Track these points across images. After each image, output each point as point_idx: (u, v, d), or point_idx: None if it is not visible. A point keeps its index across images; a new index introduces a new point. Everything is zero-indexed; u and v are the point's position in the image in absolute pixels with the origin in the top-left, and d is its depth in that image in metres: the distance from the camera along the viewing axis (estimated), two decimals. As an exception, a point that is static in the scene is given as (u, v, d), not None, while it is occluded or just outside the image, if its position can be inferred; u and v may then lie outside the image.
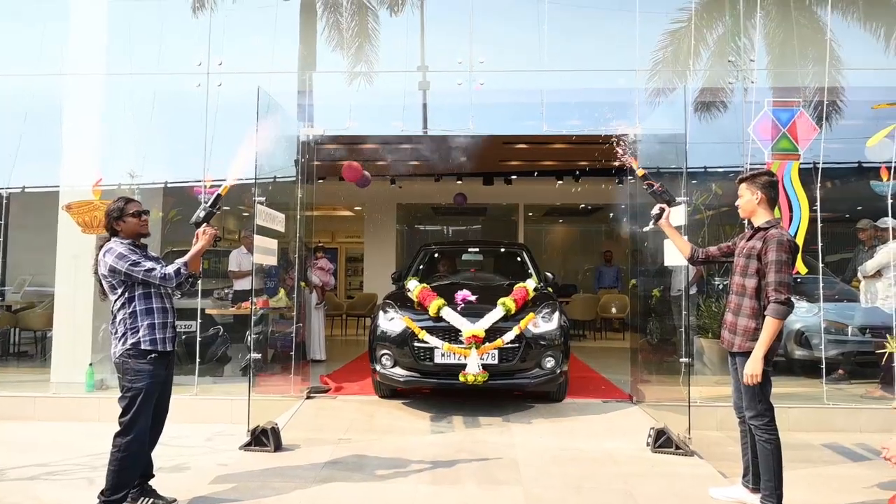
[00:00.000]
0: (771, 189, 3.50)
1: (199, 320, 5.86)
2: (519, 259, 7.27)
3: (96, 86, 6.31)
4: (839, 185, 7.33)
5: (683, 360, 4.62)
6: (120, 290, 3.41)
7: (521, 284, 5.87)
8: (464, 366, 5.18)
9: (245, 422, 4.66)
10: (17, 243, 6.58)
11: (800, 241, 5.60)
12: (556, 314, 5.70)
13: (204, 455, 4.49)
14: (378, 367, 5.61)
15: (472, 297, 5.65)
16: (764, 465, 3.31)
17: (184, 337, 6.50)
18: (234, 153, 3.88)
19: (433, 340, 5.30)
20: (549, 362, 5.48)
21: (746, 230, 3.63)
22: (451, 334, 5.37)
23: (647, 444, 4.59)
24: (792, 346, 7.00)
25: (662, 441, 4.50)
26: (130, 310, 3.40)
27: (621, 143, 4.23)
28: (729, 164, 6.55)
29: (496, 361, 5.30)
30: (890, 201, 5.84)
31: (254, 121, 4.76)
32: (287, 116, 6.09)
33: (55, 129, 6.41)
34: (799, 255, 5.61)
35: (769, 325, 3.27)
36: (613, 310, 11.49)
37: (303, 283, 6.69)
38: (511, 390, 5.92)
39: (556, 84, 6.24)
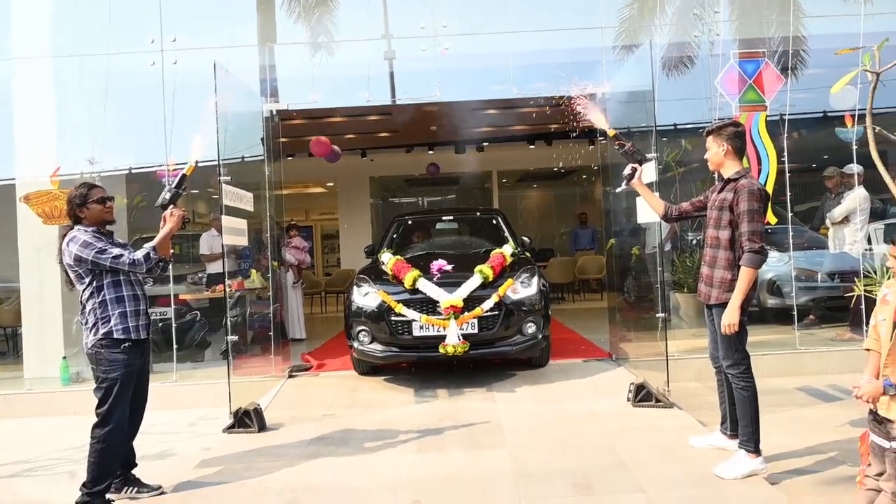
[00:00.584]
0: (737, 139, 3.50)
1: (173, 306, 5.76)
2: (494, 224, 7.12)
3: (45, 70, 6.05)
4: (806, 135, 7.42)
5: (660, 315, 4.67)
6: (88, 280, 3.31)
7: (497, 250, 5.76)
8: (443, 337, 5.05)
9: (227, 405, 4.63)
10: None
11: (769, 191, 5.66)
12: (535, 279, 5.59)
13: (187, 440, 4.45)
14: (355, 344, 5.48)
15: (449, 267, 5.50)
16: (741, 411, 3.38)
17: (160, 324, 6.41)
18: (196, 132, 3.75)
19: (410, 313, 5.18)
20: (531, 328, 5.41)
21: (717, 183, 3.65)
22: (428, 306, 5.24)
23: (628, 400, 4.67)
24: (764, 296, 7.15)
25: (643, 395, 4.59)
26: (100, 299, 3.31)
27: (587, 102, 4.17)
28: (698, 120, 6.55)
29: (476, 331, 5.20)
30: (855, 147, 5.92)
31: (213, 99, 4.61)
32: (249, 91, 5.92)
33: (5, 117, 6.17)
34: (769, 206, 5.69)
35: (744, 275, 3.30)
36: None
37: (275, 263, 6.59)
38: (493, 359, 5.84)
39: (522, 46, 6.14)
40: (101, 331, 3.29)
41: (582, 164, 12.60)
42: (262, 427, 4.52)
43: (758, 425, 3.36)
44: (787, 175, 5.80)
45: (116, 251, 3.30)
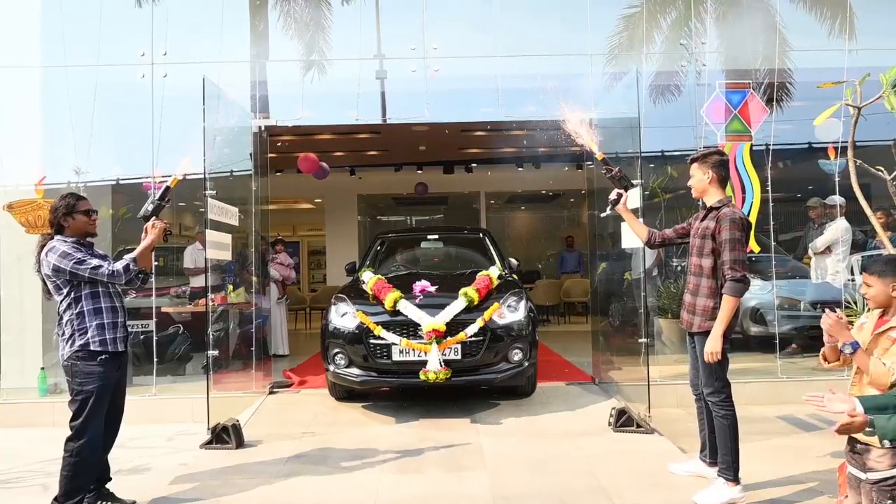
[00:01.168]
0: (721, 168, 3.55)
1: (154, 319, 5.70)
2: (481, 245, 6.83)
3: (33, 79, 6.03)
4: (790, 166, 7.56)
5: (642, 340, 4.69)
6: (66, 291, 3.27)
7: (483, 273, 5.55)
8: (424, 363, 4.78)
9: (205, 421, 4.57)
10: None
11: (752, 220, 5.73)
12: (523, 303, 5.34)
13: (164, 455, 4.38)
14: (331, 367, 5.19)
15: (432, 288, 5.27)
16: (721, 439, 3.38)
17: (141, 336, 6.33)
18: (183, 146, 3.75)
19: (390, 336, 4.92)
20: (517, 355, 5.13)
21: (700, 211, 3.69)
22: (409, 329, 4.99)
23: (609, 425, 4.66)
24: (747, 323, 7.20)
25: (624, 420, 4.58)
26: (77, 310, 3.27)
27: (579, 123, 4.20)
28: (684, 147, 6.65)
29: (459, 357, 4.93)
30: (837, 179, 6.03)
31: (202, 113, 4.62)
32: (238, 107, 5.94)
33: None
34: (752, 234, 5.77)
35: (727, 303, 3.32)
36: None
37: (254, 279, 6.54)
38: (476, 386, 5.56)
39: (511, 70, 6.22)
40: (78, 342, 3.25)
41: (569, 187, 12.73)
42: (241, 444, 4.45)
43: (737, 453, 3.36)
44: (771, 204, 5.88)
45: (96, 262, 3.27)
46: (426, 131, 8.91)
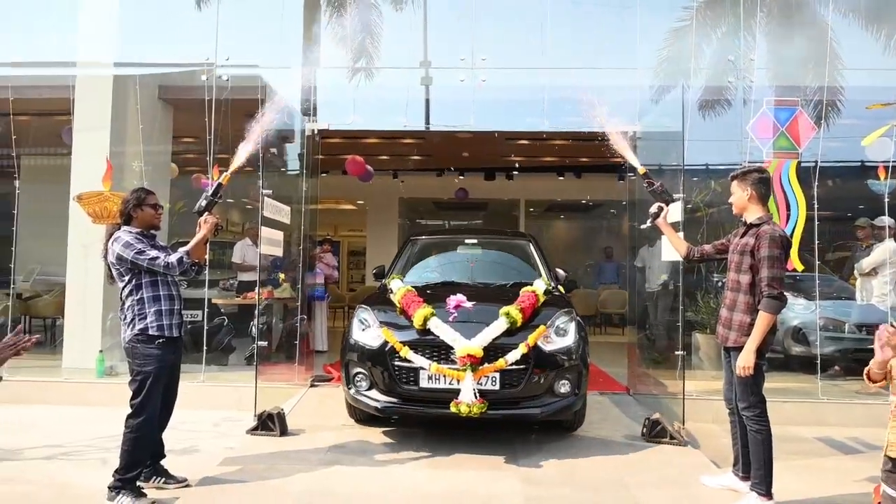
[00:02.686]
0: (761, 185, 3.59)
1: (206, 309, 5.97)
2: (526, 252, 6.07)
3: (105, 77, 6.41)
4: (839, 184, 7.43)
5: (679, 353, 4.71)
6: (128, 278, 3.53)
7: (528, 288, 4.80)
8: (456, 392, 4.13)
9: (250, 409, 4.81)
10: (27, 233, 6.69)
11: (796, 238, 5.69)
12: (573, 325, 4.60)
13: (212, 439, 4.63)
14: (351, 389, 4.58)
15: (469, 304, 4.58)
16: (755, 454, 3.41)
17: (189, 326, 6.65)
18: (237, 145, 3.97)
19: (418, 359, 4.26)
20: (564, 386, 4.40)
21: (739, 227, 3.73)
22: (441, 352, 4.32)
23: (643, 434, 4.69)
24: (789, 343, 7.10)
25: (657, 431, 4.60)
26: (138, 296, 3.52)
27: (620, 138, 4.28)
28: (730, 162, 6.63)
29: (497, 387, 4.25)
30: (887, 200, 5.93)
31: (257, 114, 4.85)
32: (291, 110, 6.19)
33: (62, 119, 6.54)
34: (795, 252, 5.72)
35: (762, 319, 3.36)
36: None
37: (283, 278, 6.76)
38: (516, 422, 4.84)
39: (558, 81, 6.33)
40: (138, 326, 3.49)
41: (609, 198, 12.70)
42: (284, 431, 4.65)
43: (771, 468, 3.39)
44: (817, 223, 5.82)
45: (154, 253, 3.51)
46: (470, 138, 9.06)
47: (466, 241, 6.34)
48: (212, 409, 5.35)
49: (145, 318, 3.50)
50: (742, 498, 3.45)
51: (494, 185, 12.68)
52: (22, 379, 5.71)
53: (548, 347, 4.41)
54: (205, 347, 5.93)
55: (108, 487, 3.39)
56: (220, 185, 3.75)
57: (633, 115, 6.10)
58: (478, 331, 4.30)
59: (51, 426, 4.89)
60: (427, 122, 6.79)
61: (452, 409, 4.11)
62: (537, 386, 4.37)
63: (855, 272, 6.65)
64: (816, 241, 5.86)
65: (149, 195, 3.65)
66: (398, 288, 4.88)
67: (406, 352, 4.29)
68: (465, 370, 4.14)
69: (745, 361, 3.36)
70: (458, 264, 6.08)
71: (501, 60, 6.33)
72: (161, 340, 3.52)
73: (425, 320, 4.38)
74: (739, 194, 3.61)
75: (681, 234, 4.20)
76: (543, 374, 4.37)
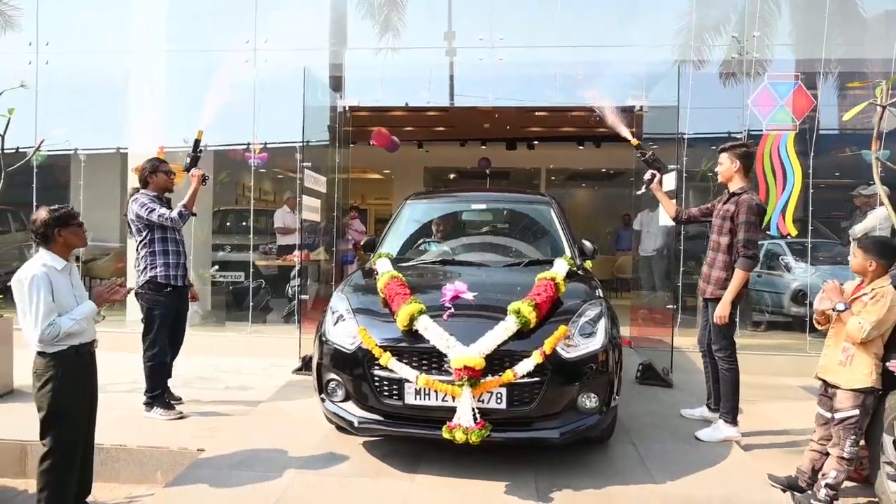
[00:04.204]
0: (747, 159, 4.07)
1: (252, 270, 6.67)
2: (546, 217, 4.93)
3: (158, 61, 7.07)
4: (838, 154, 7.76)
5: (670, 307, 5.26)
6: (144, 233, 4.25)
7: (546, 274, 3.70)
8: (451, 410, 3.22)
9: (294, 356, 5.53)
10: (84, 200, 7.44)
11: (791, 206, 6.14)
12: (603, 322, 3.56)
13: (263, 380, 5.38)
14: (325, 400, 3.65)
15: (469, 295, 3.56)
16: (724, 388, 3.98)
17: (231, 287, 7.43)
18: (277, 121, 4.55)
19: (402, 370, 3.31)
20: (590, 400, 3.42)
21: (724, 194, 4.21)
22: (432, 359, 3.35)
23: (636, 377, 5.30)
24: (788, 304, 7.59)
25: (648, 374, 5.21)
26: (150, 249, 4.26)
27: (613, 113, 4.71)
28: (735, 133, 7.03)
29: (504, 405, 3.30)
30: (879, 169, 6.26)
31: (293, 92, 5.46)
32: (326, 88, 6.76)
33: (120, 100, 7.22)
34: (790, 218, 6.18)
35: (737, 276, 3.88)
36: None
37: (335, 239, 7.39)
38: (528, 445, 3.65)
39: (571, 58, 6.75)
40: (149, 274, 4.24)
41: (629, 166, 13.00)
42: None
43: (737, 401, 3.97)
44: (811, 191, 6.24)
45: (162, 210, 4.21)
46: (491, 110, 9.50)
47: (473, 205, 5.33)
48: (259, 357, 6.11)
49: (156, 267, 4.23)
50: (712, 424, 4.04)
51: (516, 154, 13.02)
52: (99, 329, 6.50)
53: (570, 354, 3.37)
54: (250, 304, 6.66)
55: (144, 404, 4.27)
56: (197, 141, 4.38)
57: (640, 89, 6.52)
58: (479, 333, 3.31)
59: (123, 368, 5.53)
60: (451, 97, 7.29)
61: (445, 434, 3.22)
62: (555, 403, 3.37)
63: (850, 237, 7.04)
64: (810, 209, 6.26)
65: (162, 163, 4.35)
66: (382, 272, 3.90)
67: (387, 359, 3.32)
68: (462, 384, 3.19)
69: (722, 311, 3.89)
70: (463, 235, 5.16)
71: (518, 39, 6.78)
72: (168, 289, 4.24)
73: (412, 320, 3.38)
74: (728, 165, 4.04)
75: (674, 200, 4.68)
76: (564, 386, 3.37)
